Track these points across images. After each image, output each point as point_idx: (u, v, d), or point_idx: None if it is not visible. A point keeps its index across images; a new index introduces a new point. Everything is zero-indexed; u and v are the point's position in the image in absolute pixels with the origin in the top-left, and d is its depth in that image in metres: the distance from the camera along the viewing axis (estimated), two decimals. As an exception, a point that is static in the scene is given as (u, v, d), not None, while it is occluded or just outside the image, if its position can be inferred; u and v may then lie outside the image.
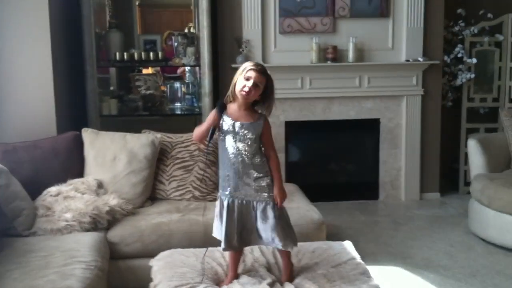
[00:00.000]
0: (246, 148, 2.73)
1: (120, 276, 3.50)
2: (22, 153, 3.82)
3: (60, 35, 4.62)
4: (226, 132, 2.73)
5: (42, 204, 3.58)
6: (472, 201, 4.67)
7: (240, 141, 2.72)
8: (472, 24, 5.89)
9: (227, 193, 2.78)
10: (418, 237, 4.69)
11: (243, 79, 2.68)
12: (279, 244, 2.77)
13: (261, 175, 2.77)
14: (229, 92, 2.74)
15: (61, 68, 4.60)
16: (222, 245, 2.78)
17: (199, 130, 2.78)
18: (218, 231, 2.83)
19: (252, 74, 2.67)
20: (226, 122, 2.73)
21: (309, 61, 5.42)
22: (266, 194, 2.76)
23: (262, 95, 2.74)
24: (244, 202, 2.77)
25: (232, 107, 2.76)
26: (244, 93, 2.67)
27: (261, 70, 2.70)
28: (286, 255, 2.89)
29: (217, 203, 2.86)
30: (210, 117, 2.76)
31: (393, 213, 5.40)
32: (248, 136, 2.73)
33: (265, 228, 2.77)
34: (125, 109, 5.45)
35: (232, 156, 2.73)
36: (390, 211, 5.46)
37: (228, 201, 2.77)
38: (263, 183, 2.77)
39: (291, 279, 2.86)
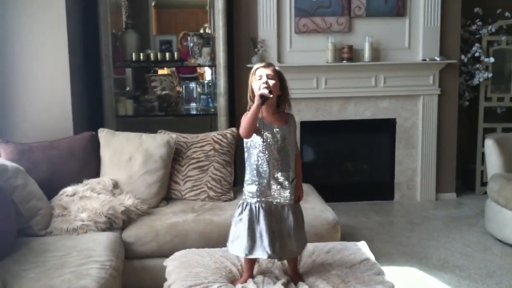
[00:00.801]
0: (286, 150, 2.74)
1: (135, 276, 3.52)
2: (38, 153, 3.85)
3: (76, 35, 4.66)
4: (266, 135, 2.70)
5: (58, 204, 3.61)
6: (489, 201, 4.63)
7: (280, 143, 2.71)
8: (490, 23, 5.85)
9: (263, 197, 2.71)
10: (434, 238, 4.66)
11: (256, 80, 2.71)
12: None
13: (294, 176, 2.79)
14: (250, 104, 2.74)
15: (77, 69, 4.64)
16: (267, 251, 2.68)
17: (250, 113, 2.62)
18: (242, 244, 2.73)
19: (261, 71, 2.71)
20: (264, 125, 2.70)
21: (324, 61, 5.40)
22: (293, 196, 2.78)
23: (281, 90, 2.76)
24: (279, 206, 2.75)
25: (261, 115, 2.73)
26: (265, 89, 2.66)
27: (267, 65, 2.74)
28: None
29: (244, 213, 2.75)
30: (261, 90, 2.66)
31: (408, 213, 5.37)
32: (287, 138, 2.74)
33: (299, 229, 2.78)
34: (141, 109, 5.47)
35: (273, 158, 2.70)
36: (405, 212, 5.43)
37: (265, 205, 2.72)
38: (295, 184, 2.79)
39: (302, 279, 2.87)
